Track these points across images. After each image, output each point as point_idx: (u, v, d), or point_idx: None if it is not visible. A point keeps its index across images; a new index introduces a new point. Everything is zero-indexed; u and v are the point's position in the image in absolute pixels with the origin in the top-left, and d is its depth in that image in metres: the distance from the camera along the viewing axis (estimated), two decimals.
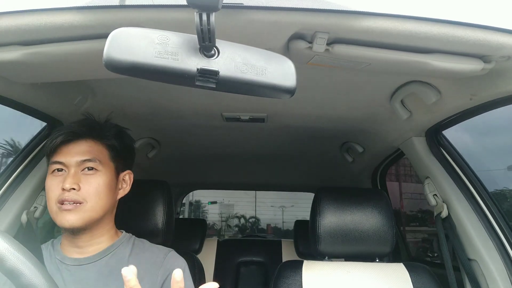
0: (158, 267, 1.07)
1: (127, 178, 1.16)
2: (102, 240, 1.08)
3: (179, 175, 2.64)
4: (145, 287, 1.01)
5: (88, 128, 1.10)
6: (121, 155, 1.14)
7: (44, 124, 1.38)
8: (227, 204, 8.15)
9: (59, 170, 1.04)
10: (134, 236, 1.17)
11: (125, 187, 1.15)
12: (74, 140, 1.07)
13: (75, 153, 1.05)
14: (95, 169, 1.05)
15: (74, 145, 1.06)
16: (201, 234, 2.53)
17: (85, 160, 1.04)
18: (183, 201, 4.62)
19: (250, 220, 8.35)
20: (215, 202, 7.96)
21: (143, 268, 1.06)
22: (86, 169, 1.04)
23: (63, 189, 0.99)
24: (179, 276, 0.69)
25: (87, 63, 0.96)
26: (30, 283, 0.58)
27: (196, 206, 8.04)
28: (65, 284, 1.00)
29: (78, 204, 1.00)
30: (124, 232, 1.16)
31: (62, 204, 0.99)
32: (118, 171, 1.12)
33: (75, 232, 1.02)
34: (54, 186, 1.02)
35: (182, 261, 1.12)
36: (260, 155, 2.27)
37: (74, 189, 1.00)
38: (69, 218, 0.98)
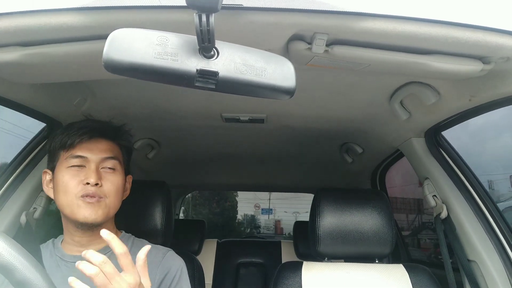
0: (156, 265, 1.08)
1: (128, 182, 1.18)
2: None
3: (178, 176, 2.63)
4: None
5: (110, 128, 1.12)
6: (130, 158, 1.17)
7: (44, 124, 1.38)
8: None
9: (76, 165, 1.05)
10: (133, 236, 1.18)
11: (127, 190, 1.17)
12: (95, 137, 1.08)
13: (98, 150, 1.06)
14: (114, 168, 1.07)
15: (96, 142, 1.08)
16: (201, 235, 2.52)
17: (107, 158, 1.06)
18: None
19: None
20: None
21: None
22: (107, 168, 1.06)
23: (87, 184, 1.01)
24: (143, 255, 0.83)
25: (86, 64, 0.96)
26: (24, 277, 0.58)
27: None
28: (64, 279, 1.00)
29: (100, 198, 1.02)
30: (123, 232, 1.17)
31: (85, 198, 1.01)
32: (126, 173, 1.15)
33: (92, 227, 1.04)
34: (74, 180, 1.02)
35: (180, 260, 1.13)
36: (260, 155, 2.27)
37: (97, 184, 1.02)
38: (91, 212, 1.00)
